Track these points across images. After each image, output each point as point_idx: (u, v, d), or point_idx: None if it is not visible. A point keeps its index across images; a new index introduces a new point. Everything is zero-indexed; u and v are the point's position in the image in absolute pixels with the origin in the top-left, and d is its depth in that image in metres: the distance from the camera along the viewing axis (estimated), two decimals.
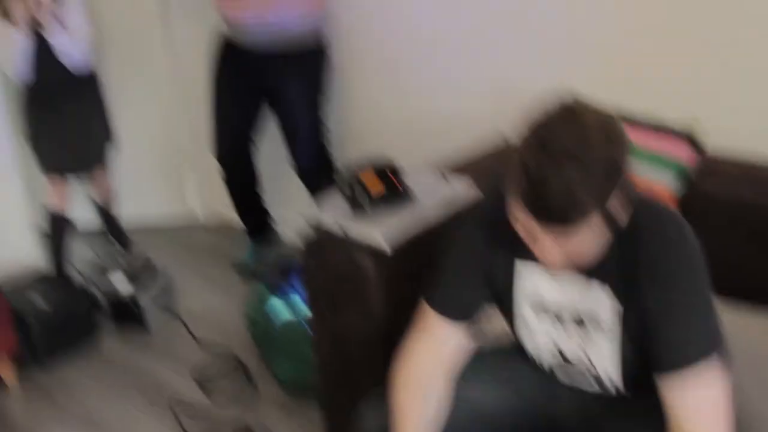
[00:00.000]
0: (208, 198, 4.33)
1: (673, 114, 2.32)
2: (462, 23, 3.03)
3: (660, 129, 2.28)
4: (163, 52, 4.10)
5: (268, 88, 3.42)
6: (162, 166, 4.32)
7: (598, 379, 1.66)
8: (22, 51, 3.37)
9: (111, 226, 4.08)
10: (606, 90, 2.05)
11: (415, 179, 2.25)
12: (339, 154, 3.59)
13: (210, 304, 3.59)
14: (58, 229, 3.71)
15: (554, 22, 2.74)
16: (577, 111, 1.40)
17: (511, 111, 2.80)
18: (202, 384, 3.03)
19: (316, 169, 3.52)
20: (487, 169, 2.47)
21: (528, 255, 1.54)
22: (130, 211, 4.18)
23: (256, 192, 3.75)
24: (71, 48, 3.45)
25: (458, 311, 1.70)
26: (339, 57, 3.46)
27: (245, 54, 3.34)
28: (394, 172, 2.17)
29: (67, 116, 3.59)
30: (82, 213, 4.02)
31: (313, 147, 3.50)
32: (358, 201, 2.12)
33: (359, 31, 3.40)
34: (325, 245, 2.13)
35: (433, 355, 1.71)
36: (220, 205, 4.14)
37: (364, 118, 3.50)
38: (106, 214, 4.04)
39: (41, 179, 3.68)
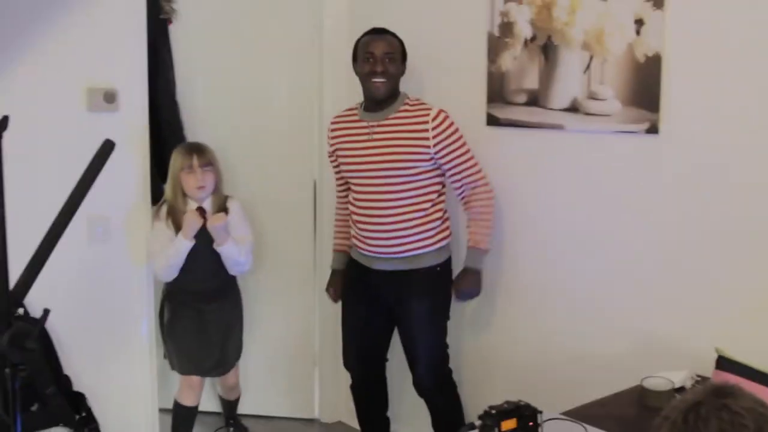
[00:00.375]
0: (332, 400, 4.34)
1: None
2: (609, 268, 3.06)
3: None
4: (311, 258, 4.25)
5: (392, 304, 3.48)
6: (291, 364, 4.37)
7: None
8: (182, 258, 3.56)
9: (231, 415, 4.13)
10: (758, 353, 2.01)
11: None
12: (476, 389, 3.59)
13: None
14: (185, 422, 3.78)
15: (710, 278, 2.74)
16: (729, 396, 1.35)
17: (653, 362, 2.79)
18: None
19: (437, 391, 3.52)
20: (625, 420, 2.42)
21: None
22: (251, 401, 4.22)
23: (382, 405, 3.76)
24: (238, 255, 3.62)
25: None
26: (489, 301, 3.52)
27: (372, 271, 3.45)
28: (535, 421, 2.14)
29: (210, 319, 3.72)
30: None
31: (433, 368, 3.50)
32: None
33: (505, 268, 3.46)
34: None
35: None
36: (344, 410, 4.15)
37: (499, 356, 3.50)
38: (229, 406, 4.09)
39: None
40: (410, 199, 3.33)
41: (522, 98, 3.26)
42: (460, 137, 3.33)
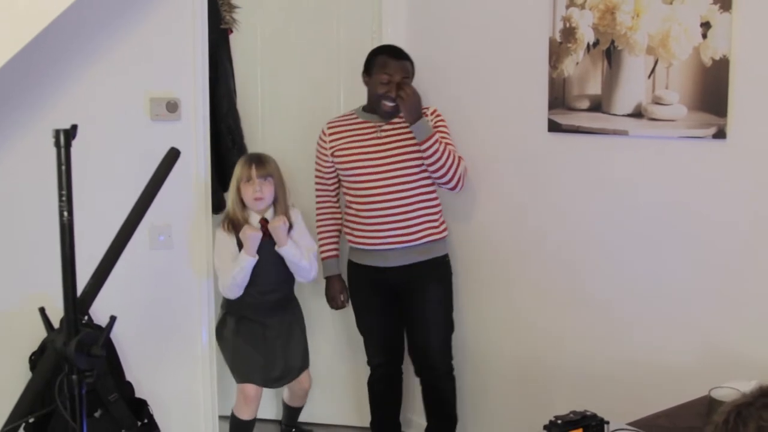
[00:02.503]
0: None
1: None
2: (676, 276, 3.00)
3: None
4: None
5: (404, 295, 3.67)
6: (346, 372, 4.36)
7: None
8: (246, 274, 3.60)
9: (291, 423, 4.14)
10: None
11: None
12: (539, 398, 3.55)
13: None
14: None
15: None
16: None
17: (721, 372, 2.72)
18: None
19: (447, 377, 3.75)
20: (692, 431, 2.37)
21: None
22: (305, 409, 4.23)
23: (397, 404, 3.93)
24: (300, 258, 3.67)
25: None
26: (556, 309, 3.49)
27: (382, 268, 3.63)
28: (602, 431, 2.11)
29: (272, 332, 3.75)
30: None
31: (444, 354, 3.72)
32: None
33: (572, 277, 3.41)
34: None
35: None
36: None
37: (566, 366, 3.46)
38: (290, 414, 4.10)
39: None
40: (420, 188, 3.58)
41: (584, 104, 3.22)
42: (447, 131, 3.64)
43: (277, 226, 3.60)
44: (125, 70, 3.43)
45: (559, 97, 3.32)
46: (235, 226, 3.64)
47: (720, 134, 2.79)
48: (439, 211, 3.67)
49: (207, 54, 3.62)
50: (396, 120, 3.58)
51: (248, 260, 3.58)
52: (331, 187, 3.77)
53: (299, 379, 3.90)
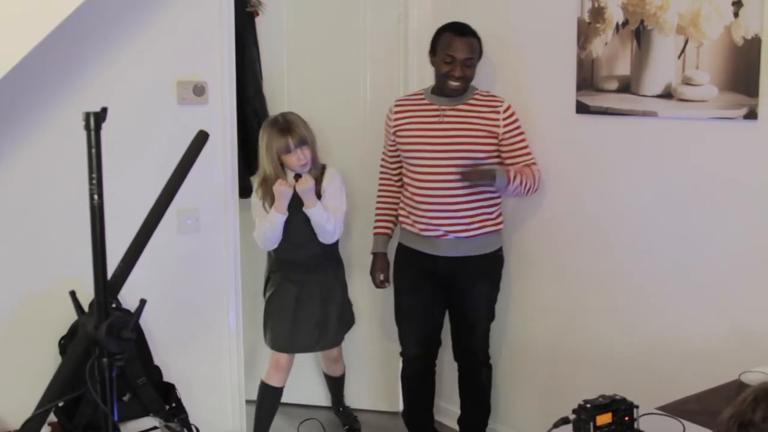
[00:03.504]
0: None
1: None
2: (706, 259, 2.97)
3: None
4: None
5: (453, 285, 3.59)
6: (376, 356, 4.37)
7: None
8: (277, 230, 3.64)
9: (338, 398, 4.19)
10: None
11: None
12: (570, 382, 3.55)
13: None
14: (270, 403, 3.82)
15: None
16: None
17: (752, 356, 2.70)
18: None
19: (485, 365, 3.72)
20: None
21: None
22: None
23: (431, 396, 3.86)
24: (326, 222, 3.67)
25: None
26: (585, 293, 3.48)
27: (434, 257, 3.54)
28: (631, 415, 2.09)
29: (310, 292, 3.78)
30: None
31: (485, 343, 3.69)
32: None
33: (600, 260, 3.39)
34: None
35: None
36: None
37: (595, 350, 3.45)
38: (333, 384, 4.14)
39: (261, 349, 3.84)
40: None
41: (613, 85, 3.19)
42: (522, 131, 3.49)
43: (305, 188, 3.63)
44: (152, 55, 3.43)
45: (587, 78, 3.29)
46: (265, 187, 3.69)
47: (751, 115, 2.75)
48: (498, 203, 3.57)
49: (233, 37, 3.61)
50: (461, 105, 3.47)
51: (277, 217, 3.63)
52: (393, 166, 3.72)
53: (330, 356, 3.95)
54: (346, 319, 3.92)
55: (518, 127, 3.47)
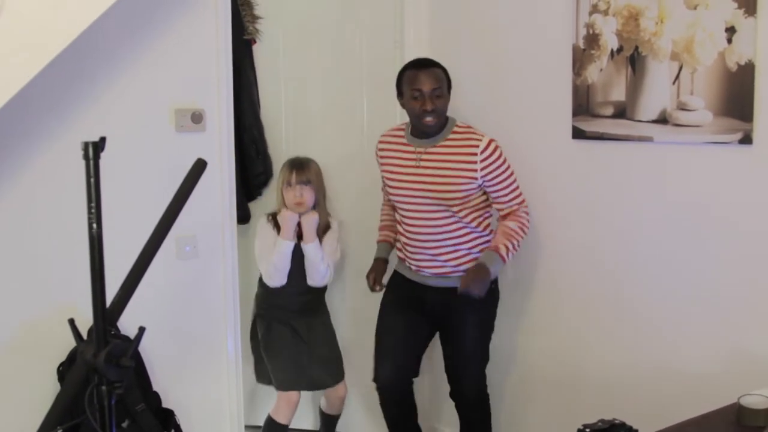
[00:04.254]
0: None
1: None
2: (702, 283, 2.98)
3: None
4: None
5: (441, 316, 3.50)
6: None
7: None
8: (285, 259, 3.68)
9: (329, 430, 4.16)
10: None
11: None
12: (565, 406, 3.54)
13: None
14: None
15: None
16: None
17: (750, 379, 2.70)
18: None
19: (477, 404, 3.60)
20: None
21: None
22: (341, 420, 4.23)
23: (413, 414, 3.76)
24: (320, 261, 3.72)
25: None
26: (581, 315, 3.48)
27: (423, 286, 3.50)
28: None
29: (305, 335, 3.80)
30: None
31: (479, 379, 3.57)
32: None
33: (598, 283, 3.40)
34: None
35: None
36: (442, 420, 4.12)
37: (594, 374, 3.44)
38: (328, 422, 4.12)
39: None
40: (457, 223, 3.40)
41: (608, 110, 3.21)
42: (508, 167, 3.38)
43: (309, 220, 3.69)
44: (150, 83, 3.45)
45: (583, 104, 3.31)
46: (276, 221, 3.76)
47: (746, 140, 2.77)
48: (487, 241, 3.44)
49: (231, 65, 3.63)
50: (438, 148, 3.37)
51: (285, 244, 3.68)
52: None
53: (335, 387, 3.92)
54: (341, 366, 3.94)
55: (500, 166, 3.34)
